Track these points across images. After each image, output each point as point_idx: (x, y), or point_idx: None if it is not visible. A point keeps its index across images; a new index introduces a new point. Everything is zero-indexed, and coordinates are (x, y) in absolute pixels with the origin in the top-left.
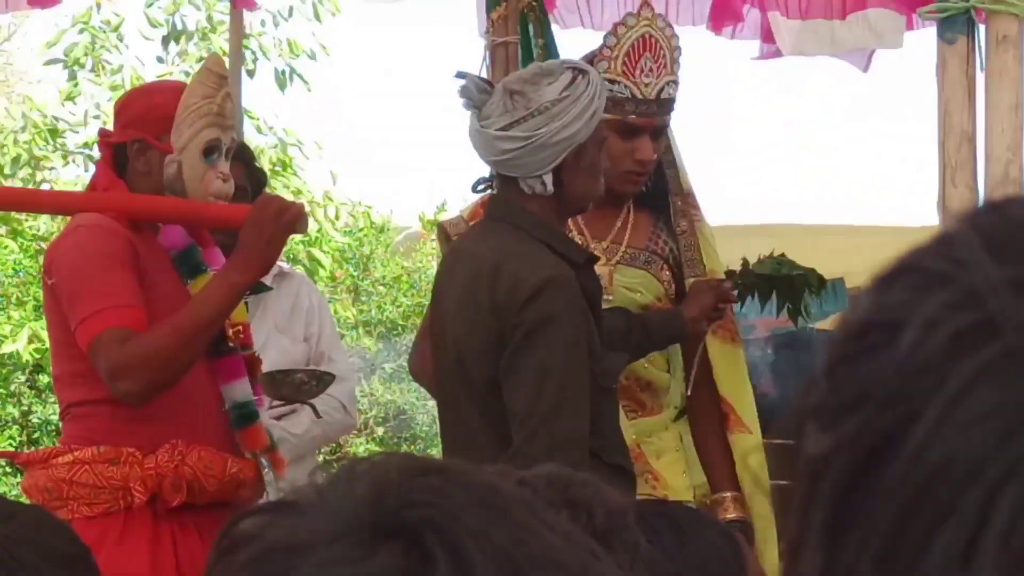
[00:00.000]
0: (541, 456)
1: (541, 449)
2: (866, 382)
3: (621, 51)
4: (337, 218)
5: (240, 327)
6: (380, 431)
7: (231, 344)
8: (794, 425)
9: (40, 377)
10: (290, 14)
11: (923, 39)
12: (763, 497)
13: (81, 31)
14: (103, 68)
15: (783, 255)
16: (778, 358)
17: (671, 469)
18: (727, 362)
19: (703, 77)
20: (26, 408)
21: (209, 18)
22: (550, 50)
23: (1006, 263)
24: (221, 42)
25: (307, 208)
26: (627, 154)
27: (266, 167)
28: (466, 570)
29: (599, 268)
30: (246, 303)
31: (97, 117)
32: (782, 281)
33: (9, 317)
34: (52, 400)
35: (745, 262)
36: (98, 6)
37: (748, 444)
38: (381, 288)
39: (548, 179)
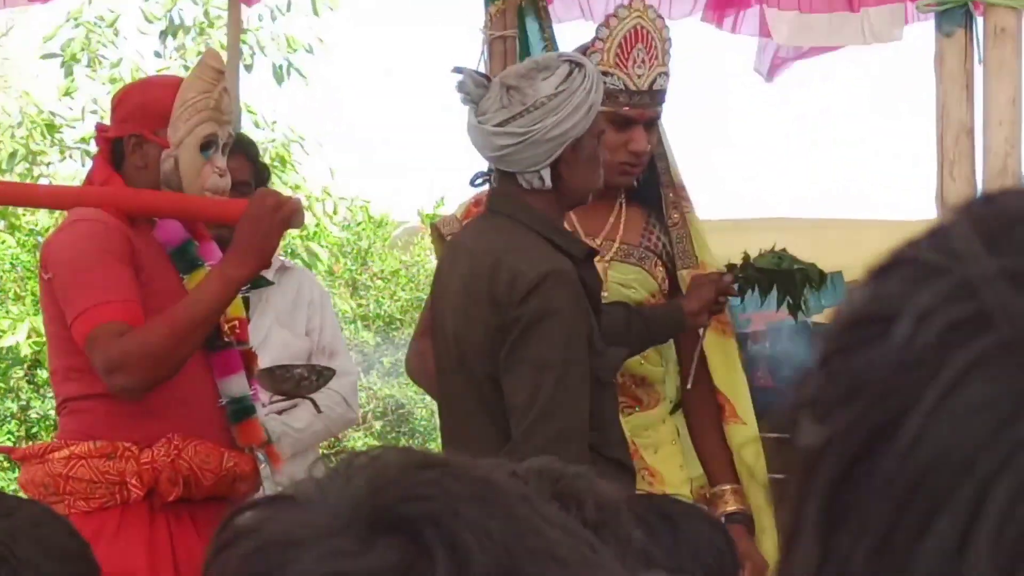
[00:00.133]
0: (540, 450)
1: (540, 443)
2: (860, 374)
3: (613, 43)
4: (335, 213)
5: (236, 322)
6: (378, 425)
7: (227, 339)
8: (789, 417)
9: (38, 372)
10: (288, 8)
11: (921, 32)
12: (758, 488)
13: (76, 26)
14: (99, 63)
15: (784, 250)
16: (776, 352)
17: (668, 462)
18: (721, 354)
19: (701, 71)
20: (24, 403)
21: (206, 13)
22: (554, 43)
23: (1000, 255)
24: (219, 37)
25: (305, 203)
26: (621, 145)
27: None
28: (464, 564)
29: None
30: (244, 298)
31: (94, 112)
32: (783, 276)
33: (7, 312)
34: (50, 395)
35: (746, 256)
36: (89, 1)
37: (743, 435)
38: (379, 282)
39: (546, 174)
